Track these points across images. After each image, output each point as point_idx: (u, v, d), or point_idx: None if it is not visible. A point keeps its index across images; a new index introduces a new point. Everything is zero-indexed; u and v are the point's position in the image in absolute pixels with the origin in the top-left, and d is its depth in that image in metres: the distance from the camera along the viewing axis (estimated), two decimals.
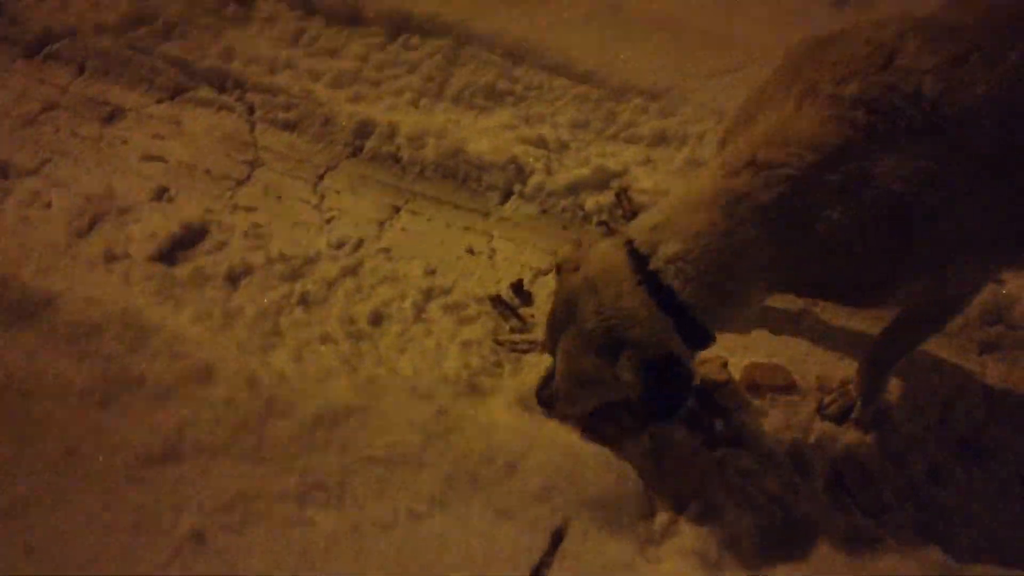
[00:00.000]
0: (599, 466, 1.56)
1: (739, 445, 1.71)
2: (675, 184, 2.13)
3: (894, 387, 1.85)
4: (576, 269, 1.45)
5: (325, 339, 1.88)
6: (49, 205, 2.18)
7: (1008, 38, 1.31)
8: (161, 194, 2.24)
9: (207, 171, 2.32)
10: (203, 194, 2.25)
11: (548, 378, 1.65)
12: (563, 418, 1.66)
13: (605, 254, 1.41)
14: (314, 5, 2.62)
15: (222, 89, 2.52)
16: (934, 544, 1.55)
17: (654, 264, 1.35)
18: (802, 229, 1.31)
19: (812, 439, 1.77)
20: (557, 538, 1.47)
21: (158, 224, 2.11)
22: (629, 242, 1.39)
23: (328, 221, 2.21)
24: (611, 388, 1.45)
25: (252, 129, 2.44)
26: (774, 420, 1.79)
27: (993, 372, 1.92)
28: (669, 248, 1.35)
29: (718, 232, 1.32)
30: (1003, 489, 1.73)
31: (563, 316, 1.46)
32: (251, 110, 2.48)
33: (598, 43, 2.52)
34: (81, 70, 2.60)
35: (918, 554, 1.51)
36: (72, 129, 2.43)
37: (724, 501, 1.57)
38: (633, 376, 1.35)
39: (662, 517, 1.53)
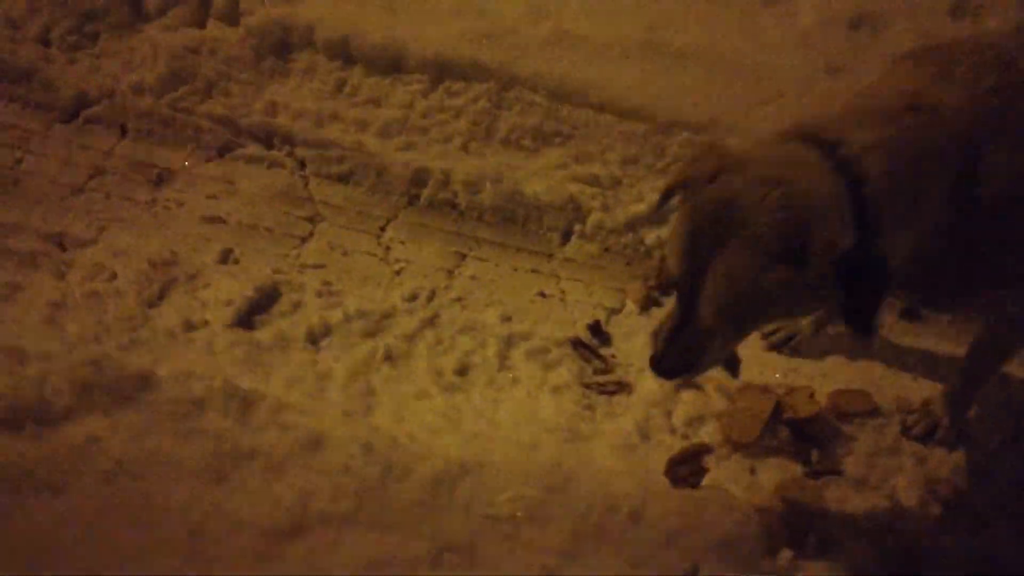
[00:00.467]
0: (720, 508, 1.60)
1: (838, 473, 1.77)
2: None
3: None
4: (713, 179, 1.24)
5: (420, 396, 1.90)
6: (115, 276, 2.17)
7: None
8: (226, 256, 2.24)
9: (268, 230, 2.32)
10: (268, 254, 2.25)
11: (672, 336, 1.29)
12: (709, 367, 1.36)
13: (777, 149, 1.28)
14: (353, 55, 2.63)
15: (270, 145, 2.53)
16: None
17: (847, 150, 1.22)
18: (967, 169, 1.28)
19: (903, 461, 1.83)
20: None
21: (231, 289, 2.12)
22: (809, 135, 1.26)
23: (397, 273, 2.23)
24: (795, 300, 1.24)
25: (306, 184, 2.45)
26: (864, 444, 1.85)
27: None
28: (862, 135, 1.24)
29: (910, 127, 1.27)
30: None
31: (710, 235, 1.21)
32: (302, 165, 2.49)
33: (639, 79, 2.56)
34: (123, 133, 2.59)
35: None
36: (123, 194, 2.42)
37: (839, 532, 1.62)
38: (833, 277, 1.15)
39: (785, 554, 1.58)
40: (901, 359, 2.03)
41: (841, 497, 1.71)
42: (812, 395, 1.88)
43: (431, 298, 2.15)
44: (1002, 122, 1.33)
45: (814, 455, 1.80)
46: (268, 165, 2.50)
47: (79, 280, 2.15)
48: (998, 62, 1.37)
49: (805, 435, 1.83)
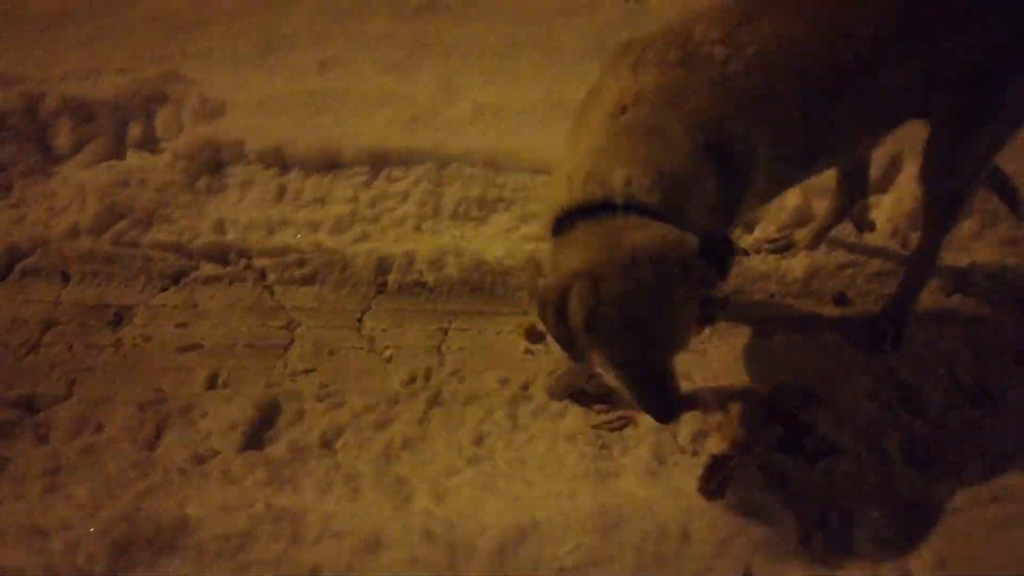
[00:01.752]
0: (754, 509, 1.78)
1: (835, 451, 1.98)
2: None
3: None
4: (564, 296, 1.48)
5: (450, 473, 1.97)
6: (101, 427, 2.12)
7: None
8: (214, 381, 2.23)
9: (248, 346, 2.34)
10: (256, 370, 2.27)
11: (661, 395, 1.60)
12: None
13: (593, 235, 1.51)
14: (288, 160, 2.71)
15: (225, 262, 2.54)
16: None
17: (644, 197, 1.50)
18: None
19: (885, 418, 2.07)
20: None
21: (229, 412, 2.12)
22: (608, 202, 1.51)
23: (388, 360, 2.30)
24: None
25: (272, 293, 2.48)
26: (848, 416, 2.08)
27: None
28: (640, 178, 1.51)
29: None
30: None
31: (634, 315, 1.47)
32: (263, 275, 2.52)
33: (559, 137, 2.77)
34: (66, 279, 2.52)
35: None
36: (84, 341, 2.36)
37: (853, 504, 1.83)
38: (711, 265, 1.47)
39: (817, 537, 1.77)
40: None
41: (847, 472, 1.92)
42: (802, 389, 2.11)
43: (428, 377, 2.24)
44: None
45: (807, 441, 2.01)
46: (229, 282, 2.51)
47: (64, 439, 2.09)
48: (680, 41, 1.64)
49: (795, 424, 2.04)
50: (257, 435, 2.09)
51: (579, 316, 1.46)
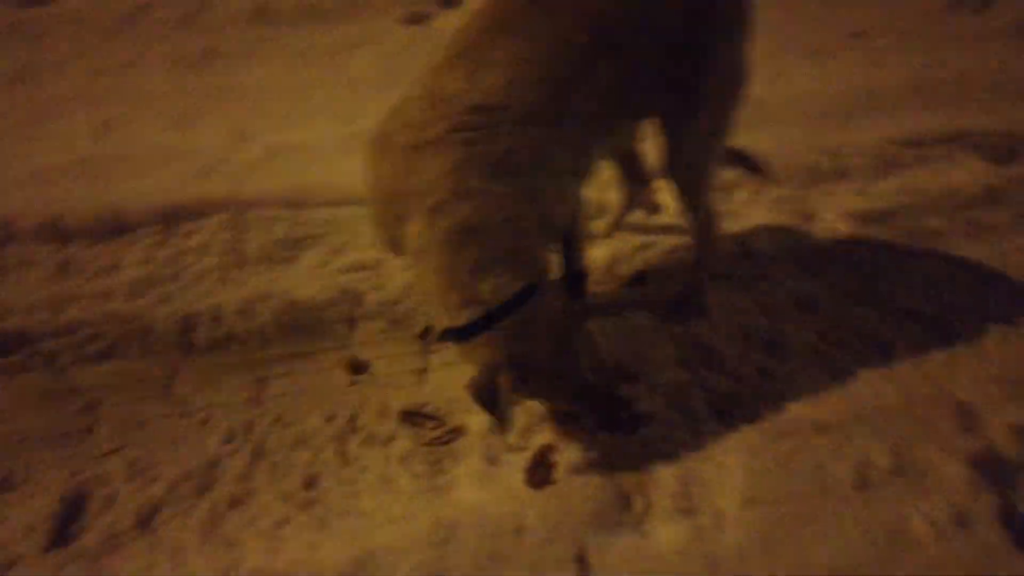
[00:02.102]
0: (580, 489, 1.84)
1: (646, 421, 2.09)
2: None
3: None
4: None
5: (281, 523, 1.90)
6: None
7: None
8: (7, 483, 2.03)
9: (44, 438, 2.15)
10: (55, 461, 2.08)
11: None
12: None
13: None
14: (68, 232, 2.54)
15: (7, 352, 2.34)
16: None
17: None
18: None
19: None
20: (584, 564, 1.72)
21: (29, 512, 1.94)
22: None
23: (204, 422, 2.19)
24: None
25: (65, 376, 2.30)
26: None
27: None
28: (490, 287, 1.69)
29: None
30: None
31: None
32: (53, 357, 2.33)
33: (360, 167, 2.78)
34: None
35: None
36: None
37: (668, 463, 1.94)
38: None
39: (638, 502, 1.85)
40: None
41: (661, 435, 2.03)
42: (615, 367, 2.21)
43: (249, 430, 2.15)
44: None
45: (623, 415, 2.11)
46: (12, 374, 2.30)
47: None
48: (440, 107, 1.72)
49: (612, 403, 2.14)
50: (64, 530, 1.91)
51: (507, 396, 1.71)
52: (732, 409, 2.10)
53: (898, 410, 2.05)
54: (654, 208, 2.73)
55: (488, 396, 1.72)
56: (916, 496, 1.84)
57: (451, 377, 2.27)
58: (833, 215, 2.69)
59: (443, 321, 1.74)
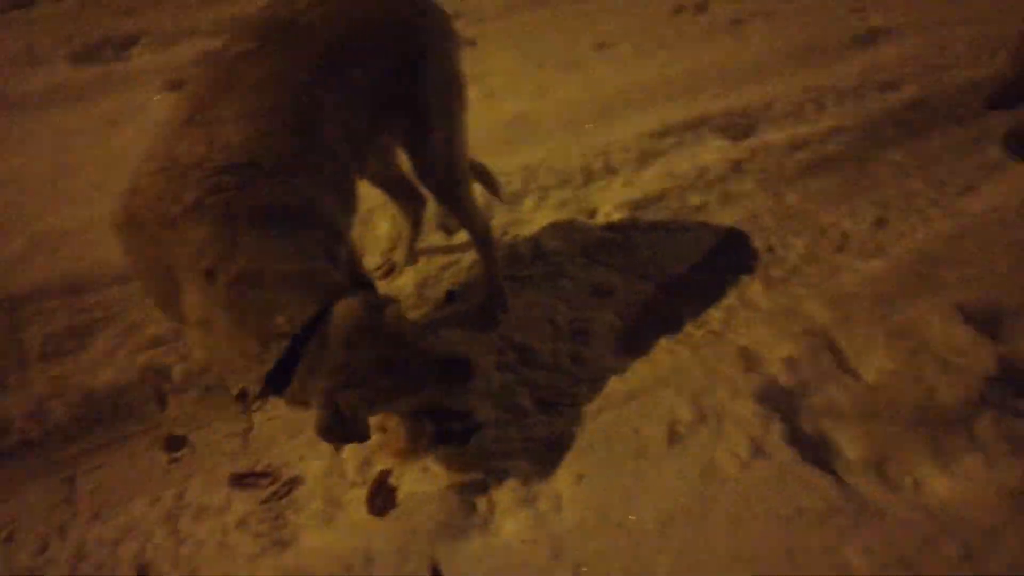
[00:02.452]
0: (424, 505, 1.89)
1: (479, 427, 2.17)
2: None
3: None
4: None
5: None
6: None
7: None
8: None
9: None
10: None
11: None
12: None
13: None
14: None
15: None
16: None
17: None
18: None
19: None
20: (438, 575, 1.77)
21: None
22: None
23: (8, 539, 1.99)
24: None
25: None
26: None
27: None
28: (283, 322, 1.67)
29: None
30: None
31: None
32: None
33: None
34: None
35: None
36: None
37: (505, 463, 2.04)
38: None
39: (483, 501, 1.93)
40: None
41: (495, 436, 2.13)
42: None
43: (63, 535, 1.99)
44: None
45: (456, 427, 2.18)
46: None
47: None
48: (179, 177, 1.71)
49: (444, 416, 2.20)
50: None
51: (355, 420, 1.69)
52: (554, 399, 2.25)
53: (692, 367, 2.29)
54: (450, 227, 2.86)
55: (337, 429, 1.68)
56: (719, 437, 2.07)
57: (277, 429, 2.24)
58: (610, 207, 2.96)
59: (253, 376, 1.69)
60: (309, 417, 1.71)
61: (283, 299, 1.63)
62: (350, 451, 2.13)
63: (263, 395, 1.70)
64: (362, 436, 1.73)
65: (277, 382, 1.65)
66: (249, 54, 1.75)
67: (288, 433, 2.21)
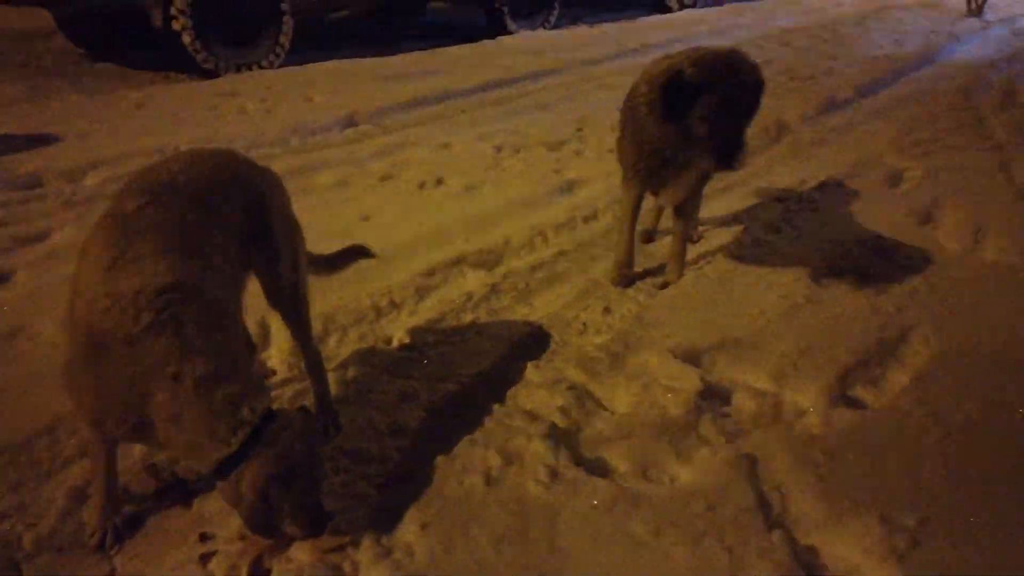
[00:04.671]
0: (297, 574, 2.20)
1: (333, 514, 2.52)
2: None
3: None
4: None
5: None
6: None
7: None
8: None
9: None
10: None
11: None
12: None
13: None
14: None
15: None
16: None
17: None
18: None
19: None
20: None
21: None
22: None
23: None
24: None
25: None
26: None
27: None
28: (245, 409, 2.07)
29: None
30: None
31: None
32: None
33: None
34: None
35: None
36: None
37: (376, 524, 2.42)
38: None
39: (346, 564, 2.29)
40: None
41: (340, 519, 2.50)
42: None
43: None
44: None
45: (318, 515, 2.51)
46: None
47: None
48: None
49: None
50: None
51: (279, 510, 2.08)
52: (389, 480, 2.70)
53: (493, 427, 2.88)
54: (271, 372, 3.26)
55: (264, 519, 2.03)
56: (524, 472, 2.64)
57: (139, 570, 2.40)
58: (402, 332, 3.59)
59: (216, 456, 1.98)
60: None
61: (244, 396, 2.02)
62: (215, 565, 2.36)
63: (215, 476, 2.02)
64: (279, 531, 2.08)
65: (229, 466, 1.97)
66: (145, 206, 2.18)
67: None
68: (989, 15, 13.12)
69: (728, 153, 3.29)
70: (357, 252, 3.32)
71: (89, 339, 1.99)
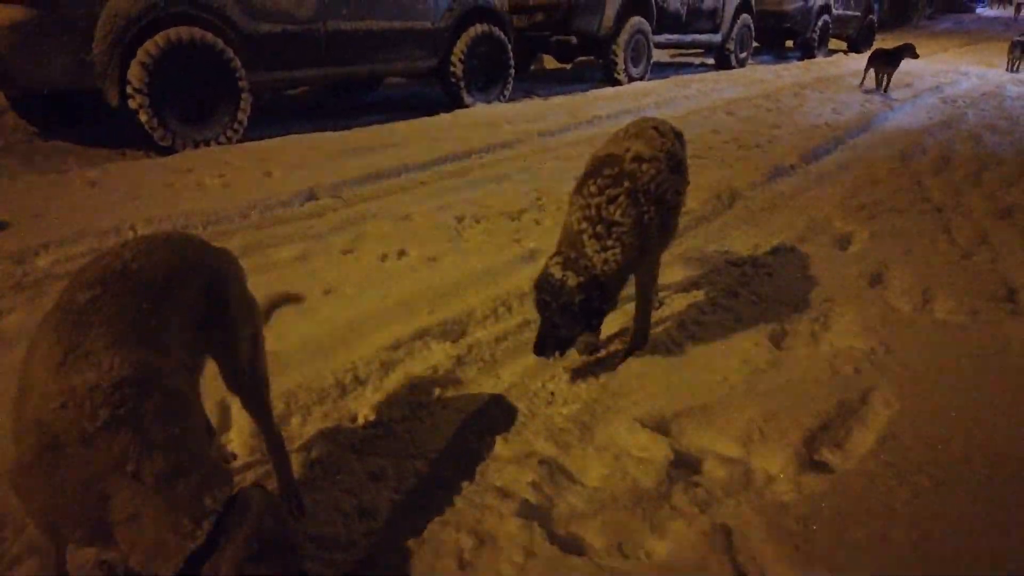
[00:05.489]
0: None
1: None
2: None
3: None
4: None
5: None
6: None
7: None
8: None
9: None
10: None
11: None
12: None
13: None
14: None
15: None
16: None
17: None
18: None
19: None
20: None
21: None
22: None
23: None
24: None
25: None
26: None
27: None
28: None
29: None
30: None
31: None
32: None
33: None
34: None
35: None
36: None
37: None
38: None
39: None
40: None
41: None
42: None
43: None
44: None
45: None
46: None
47: None
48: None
49: None
50: None
51: None
52: (357, 567, 2.60)
53: (464, 507, 2.81)
54: (232, 456, 3.15)
55: None
56: (497, 552, 2.58)
57: None
58: (367, 409, 3.51)
59: (182, 553, 1.85)
60: None
61: (204, 484, 1.93)
62: None
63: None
64: None
65: (199, 560, 1.85)
66: (96, 298, 2.11)
67: None
68: (896, 92, 13.77)
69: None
70: (283, 299, 3.22)
71: (40, 439, 1.88)
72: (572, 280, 3.48)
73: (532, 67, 16.59)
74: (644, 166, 3.69)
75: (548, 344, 3.65)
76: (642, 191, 3.63)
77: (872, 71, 13.89)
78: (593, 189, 3.63)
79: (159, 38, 7.71)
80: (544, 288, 3.57)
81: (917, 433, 3.26)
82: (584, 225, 3.57)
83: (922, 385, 3.63)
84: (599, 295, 3.52)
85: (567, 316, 3.52)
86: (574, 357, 4.05)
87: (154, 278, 2.27)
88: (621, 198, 3.56)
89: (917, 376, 3.72)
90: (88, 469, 1.87)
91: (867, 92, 13.59)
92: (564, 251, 3.63)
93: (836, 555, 2.62)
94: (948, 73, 17.48)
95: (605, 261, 3.52)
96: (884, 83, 13.75)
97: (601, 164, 3.74)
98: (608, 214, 3.55)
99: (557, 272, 3.53)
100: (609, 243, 3.52)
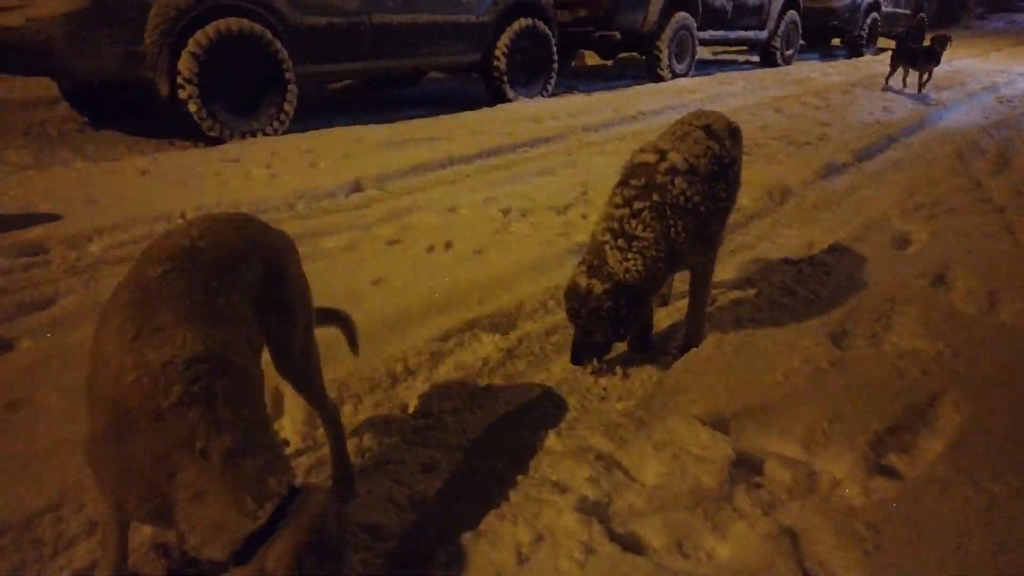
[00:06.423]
0: None
1: None
2: None
3: None
4: None
5: None
6: None
7: None
8: None
9: None
10: None
11: None
12: None
13: None
14: None
15: None
16: None
17: None
18: None
19: None
20: None
21: None
22: None
23: None
24: None
25: None
26: None
27: None
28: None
29: None
30: None
31: None
32: None
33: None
34: None
35: None
36: None
37: None
38: None
39: None
40: None
41: None
42: None
43: None
44: None
45: None
46: None
47: None
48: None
49: None
50: None
51: None
52: (411, 558, 2.55)
53: (520, 501, 2.75)
54: (284, 442, 3.14)
55: None
56: (556, 548, 2.51)
57: None
58: (417, 400, 3.47)
59: (243, 533, 1.82)
60: None
61: (269, 466, 1.90)
62: None
63: (235, 561, 1.82)
64: None
65: (254, 544, 1.81)
66: (166, 273, 2.09)
67: None
68: (947, 92, 13.15)
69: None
70: (340, 321, 3.16)
71: (114, 413, 1.88)
72: (598, 287, 3.47)
73: (573, 63, 16.49)
74: (677, 180, 3.56)
75: (583, 351, 3.63)
76: (670, 204, 3.53)
77: (899, 70, 13.20)
78: (619, 200, 3.57)
79: (210, 29, 7.79)
80: (572, 296, 3.55)
81: (990, 439, 3.11)
82: (607, 236, 3.53)
83: (993, 390, 3.47)
84: (626, 302, 3.48)
85: (598, 322, 3.50)
86: (625, 355, 3.97)
87: (220, 256, 2.25)
88: (645, 213, 3.49)
89: (987, 380, 3.56)
90: (158, 445, 1.85)
91: (896, 92, 12.99)
92: (588, 258, 3.60)
93: (909, 564, 2.50)
94: (1003, 73, 16.95)
95: (627, 271, 3.49)
96: (924, 80, 13.13)
97: (630, 173, 3.67)
98: (630, 228, 3.49)
99: (583, 281, 3.52)
100: (630, 255, 3.48)
